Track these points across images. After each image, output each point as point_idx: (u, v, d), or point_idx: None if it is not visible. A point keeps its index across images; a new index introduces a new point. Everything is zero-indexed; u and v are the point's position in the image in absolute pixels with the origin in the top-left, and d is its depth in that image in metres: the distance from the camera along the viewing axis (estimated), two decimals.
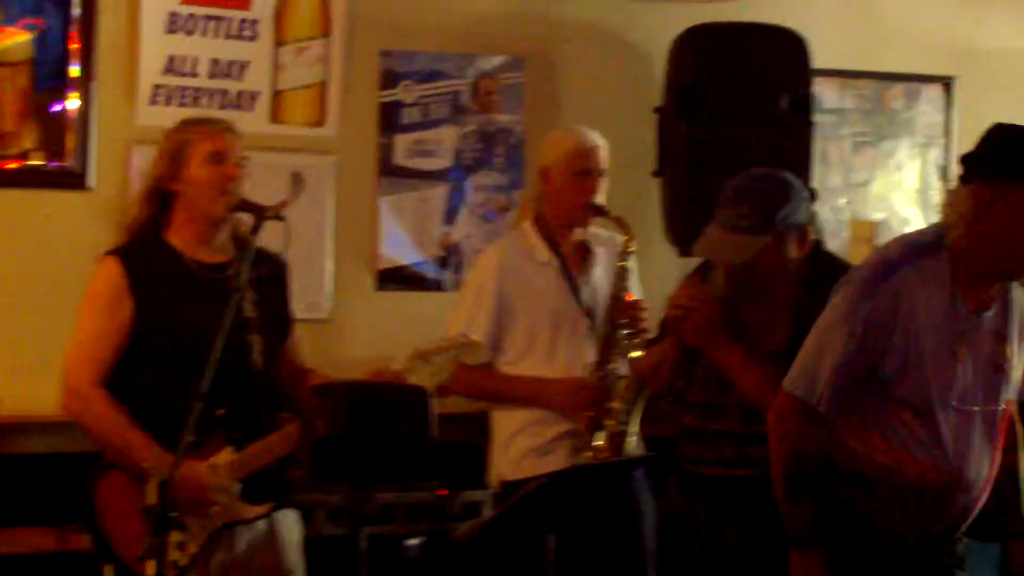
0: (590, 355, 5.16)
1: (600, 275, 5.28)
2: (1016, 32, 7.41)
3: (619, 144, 5.50)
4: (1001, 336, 3.95)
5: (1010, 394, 4.03)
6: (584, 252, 5.29)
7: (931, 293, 3.86)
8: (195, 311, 4.40)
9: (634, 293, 5.23)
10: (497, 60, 6.56)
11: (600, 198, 5.22)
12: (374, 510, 5.27)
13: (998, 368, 3.95)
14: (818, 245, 4.49)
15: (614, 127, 5.91)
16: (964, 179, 3.85)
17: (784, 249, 4.32)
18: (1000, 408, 3.99)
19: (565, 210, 5.22)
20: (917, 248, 3.95)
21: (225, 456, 4.39)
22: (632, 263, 5.26)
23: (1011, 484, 4.14)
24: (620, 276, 5.20)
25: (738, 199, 4.32)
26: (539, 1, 6.62)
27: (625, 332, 5.12)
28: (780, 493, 3.94)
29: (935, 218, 7.03)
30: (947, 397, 3.89)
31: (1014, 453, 4.16)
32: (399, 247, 6.40)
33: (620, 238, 5.28)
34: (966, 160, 3.86)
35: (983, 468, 3.97)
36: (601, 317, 5.20)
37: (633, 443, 5.06)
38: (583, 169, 5.19)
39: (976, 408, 3.93)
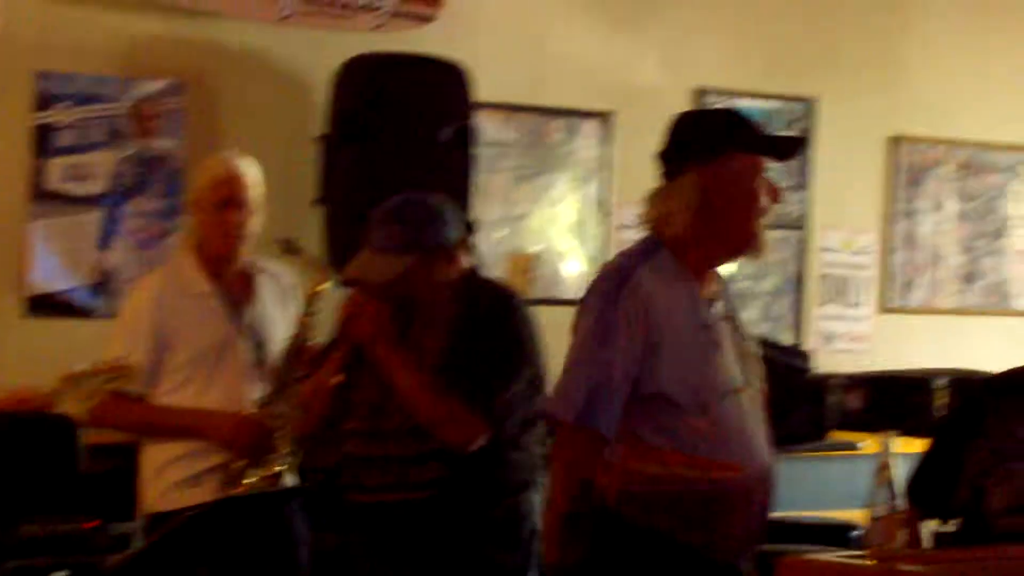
0: (253, 389, 5.08)
1: (266, 305, 5.20)
2: (670, 70, 7.61)
3: (281, 172, 5.45)
4: (732, 320, 4.01)
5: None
6: (247, 281, 5.21)
7: (670, 287, 3.86)
8: None
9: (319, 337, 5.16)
10: (157, 85, 6.45)
11: (251, 229, 5.13)
12: (18, 543, 5.10)
13: (743, 351, 4.01)
14: (474, 269, 4.53)
15: (276, 154, 5.86)
16: (673, 174, 3.90)
17: (434, 268, 4.36)
18: (758, 391, 4.03)
19: (215, 241, 5.13)
20: (642, 251, 3.94)
21: None
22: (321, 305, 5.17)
23: None
24: (307, 323, 5.11)
25: (386, 221, 4.36)
26: (200, 27, 6.53)
27: (301, 376, 5.05)
28: (556, 523, 3.80)
29: (593, 251, 7.30)
30: (718, 389, 3.87)
31: None
32: (51, 273, 6.22)
33: (288, 271, 5.24)
34: (671, 155, 3.91)
35: (767, 456, 3.96)
36: (274, 353, 5.12)
37: (288, 478, 5.01)
38: (222, 199, 5.08)
39: (743, 394, 3.93)
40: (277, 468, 4.98)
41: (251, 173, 5.14)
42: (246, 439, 4.99)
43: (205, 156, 5.75)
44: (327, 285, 5.12)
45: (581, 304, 3.89)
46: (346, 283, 4.58)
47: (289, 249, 5.13)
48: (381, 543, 4.41)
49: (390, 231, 4.34)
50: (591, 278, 3.99)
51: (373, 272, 4.35)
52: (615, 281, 3.86)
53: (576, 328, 3.88)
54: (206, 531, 4.10)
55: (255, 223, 5.12)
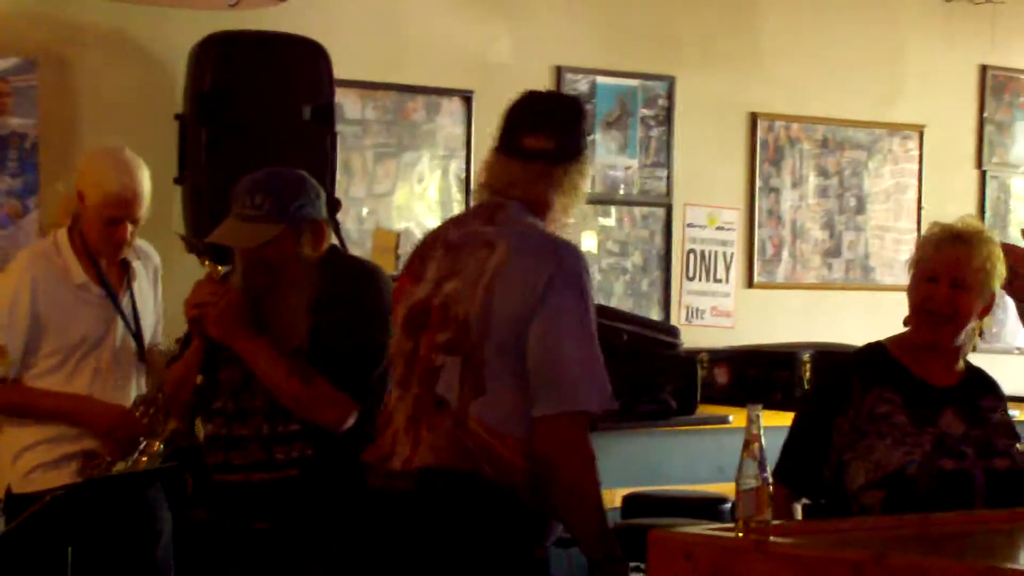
0: (127, 376, 5.02)
1: (140, 289, 5.13)
2: (530, 48, 7.62)
3: (139, 151, 5.35)
4: None
5: None
6: (123, 267, 5.13)
7: None
8: None
9: None
10: (8, 62, 6.32)
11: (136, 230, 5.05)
12: None
13: None
14: (337, 247, 4.52)
15: (134, 133, 5.80)
16: (569, 158, 3.87)
17: (298, 241, 4.31)
18: None
19: (99, 247, 5.04)
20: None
21: None
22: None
23: None
24: None
25: (251, 190, 4.31)
26: (54, 4, 6.43)
27: None
28: (596, 514, 3.74)
29: None
30: None
31: None
32: None
33: (153, 250, 5.18)
34: (571, 138, 3.88)
35: None
36: (148, 337, 5.06)
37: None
38: (114, 218, 4.99)
39: None
40: (145, 464, 4.91)
41: (144, 183, 5.01)
42: (123, 432, 4.93)
43: (61, 134, 5.67)
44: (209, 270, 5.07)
45: (569, 284, 3.75)
46: (203, 250, 4.50)
47: (191, 247, 4.98)
48: (249, 522, 4.36)
49: (256, 200, 4.28)
50: (563, 258, 3.79)
51: (239, 238, 4.29)
52: (585, 264, 3.85)
53: (571, 308, 3.74)
54: (70, 512, 4.04)
55: (141, 222, 5.04)
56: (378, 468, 3.86)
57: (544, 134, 3.90)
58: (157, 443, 4.94)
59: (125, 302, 5.07)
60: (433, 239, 3.97)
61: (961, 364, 4.21)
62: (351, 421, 4.29)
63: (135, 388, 5.07)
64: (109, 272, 5.06)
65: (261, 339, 4.29)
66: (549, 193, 3.88)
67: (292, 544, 4.30)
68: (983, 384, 4.23)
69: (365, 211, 7.17)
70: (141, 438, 4.94)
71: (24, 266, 5.05)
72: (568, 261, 3.77)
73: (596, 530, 3.73)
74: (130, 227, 4.99)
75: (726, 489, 5.60)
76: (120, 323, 5.03)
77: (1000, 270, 4.15)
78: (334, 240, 4.52)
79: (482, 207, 3.94)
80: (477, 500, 3.72)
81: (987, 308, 4.15)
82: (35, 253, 5.14)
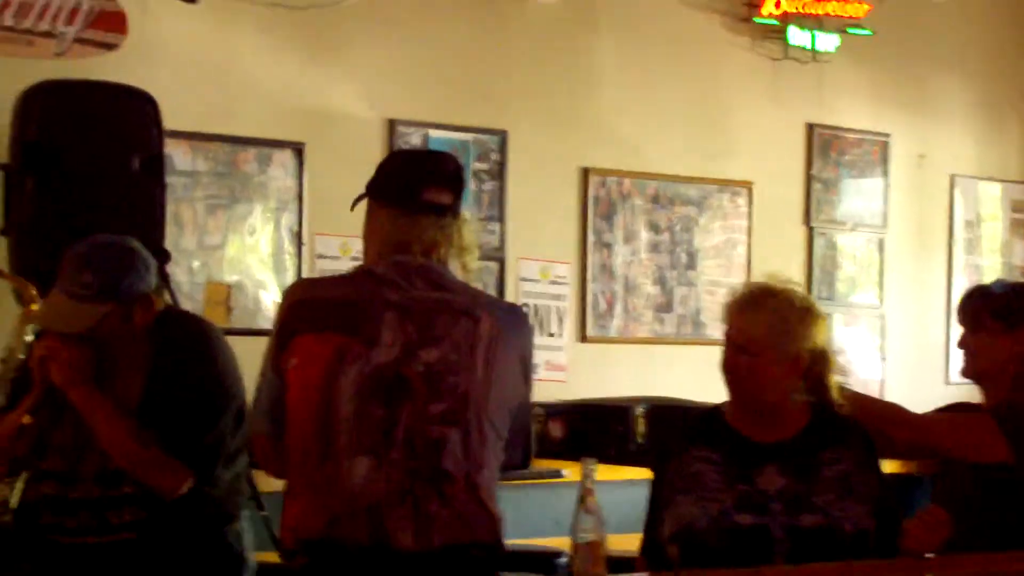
0: None
1: None
2: (362, 101, 7.61)
3: None
4: None
5: None
6: None
7: None
8: None
9: None
10: None
11: None
12: None
13: None
14: (168, 307, 4.44)
15: None
16: (458, 214, 3.91)
17: (128, 316, 4.22)
18: None
19: None
20: None
21: None
22: None
23: None
24: (18, 347, 4.86)
25: (80, 266, 4.20)
26: None
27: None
28: None
29: (289, 281, 7.23)
30: None
31: None
32: None
33: None
34: (461, 194, 3.92)
35: None
36: None
37: None
38: None
39: None
40: None
41: None
42: None
43: None
44: (35, 307, 4.93)
45: (532, 356, 3.98)
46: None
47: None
48: None
49: (83, 278, 4.18)
50: (528, 332, 4.00)
51: (67, 322, 4.19)
52: None
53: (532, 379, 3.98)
54: None
55: None
56: (345, 546, 3.75)
57: (446, 189, 3.87)
58: None
59: None
60: (363, 300, 3.81)
61: (804, 417, 4.19)
62: (185, 488, 4.22)
63: None
64: None
65: (101, 395, 4.21)
66: (451, 251, 3.86)
67: None
68: (833, 436, 4.16)
69: (196, 264, 7.10)
70: None
71: None
72: (531, 335, 4.01)
73: None
74: None
75: (561, 543, 5.59)
76: None
77: (808, 332, 4.15)
78: (164, 302, 4.44)
79: (407, 268, 3.83)
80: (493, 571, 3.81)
81: (795, 367, 4.13)
82: None
